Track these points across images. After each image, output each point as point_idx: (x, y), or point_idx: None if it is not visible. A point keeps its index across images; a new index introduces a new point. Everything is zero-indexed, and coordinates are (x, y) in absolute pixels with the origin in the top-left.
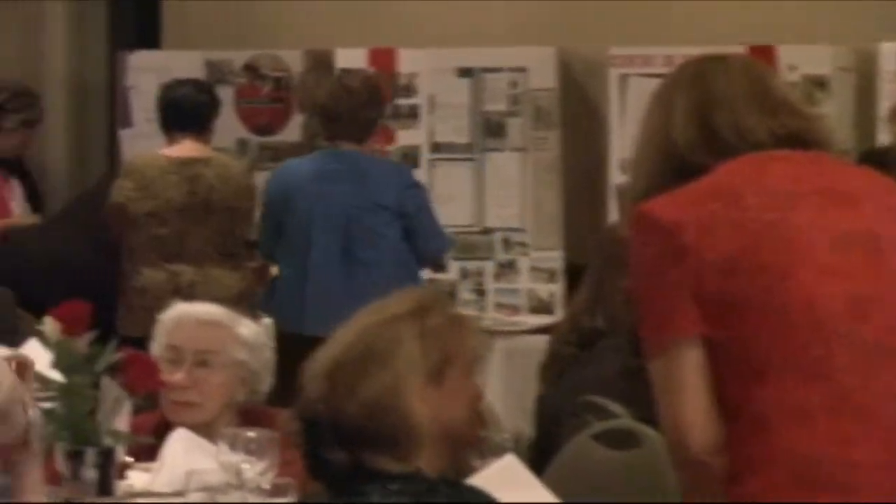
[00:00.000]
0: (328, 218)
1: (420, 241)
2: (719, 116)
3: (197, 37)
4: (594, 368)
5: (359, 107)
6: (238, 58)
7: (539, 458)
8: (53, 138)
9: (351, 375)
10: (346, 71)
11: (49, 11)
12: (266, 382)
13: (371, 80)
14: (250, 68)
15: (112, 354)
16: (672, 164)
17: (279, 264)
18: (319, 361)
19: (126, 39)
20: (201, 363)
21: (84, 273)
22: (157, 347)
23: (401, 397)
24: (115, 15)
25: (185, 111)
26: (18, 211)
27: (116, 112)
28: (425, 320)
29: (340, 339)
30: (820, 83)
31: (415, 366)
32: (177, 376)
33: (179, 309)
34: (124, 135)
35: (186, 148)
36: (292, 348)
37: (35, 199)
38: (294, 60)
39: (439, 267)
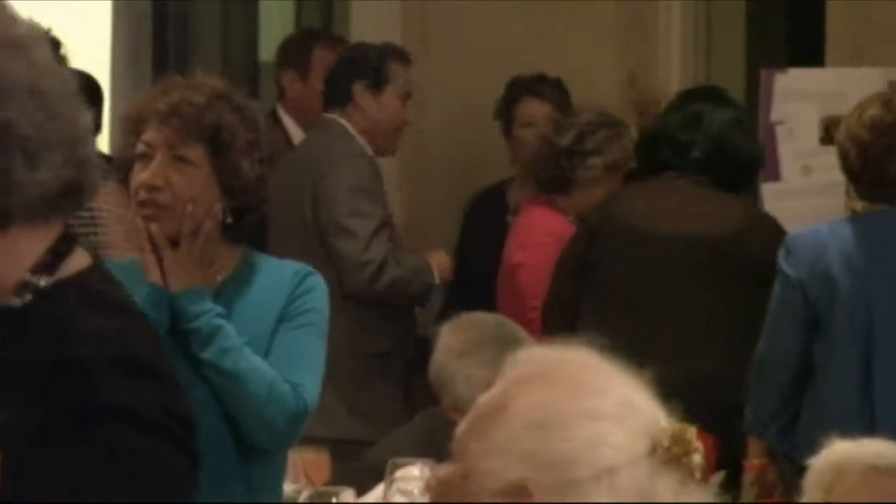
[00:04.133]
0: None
1: None
2: None
3: (877, 46)
4: None
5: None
6: None
7: None
8: None
9: None
10: None
11: (662, 18)
12: None
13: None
14: None
15: None
16: None
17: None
18: None
19: (767, 52)
20: None
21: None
22: None
23: None
24: (758, 18)
25: None
26: None
27: None
28: None
29: None
30: None
31: None
32: None
33: (840, 450)
34: (768, 190)
35: None
36: None
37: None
38: None
39: None
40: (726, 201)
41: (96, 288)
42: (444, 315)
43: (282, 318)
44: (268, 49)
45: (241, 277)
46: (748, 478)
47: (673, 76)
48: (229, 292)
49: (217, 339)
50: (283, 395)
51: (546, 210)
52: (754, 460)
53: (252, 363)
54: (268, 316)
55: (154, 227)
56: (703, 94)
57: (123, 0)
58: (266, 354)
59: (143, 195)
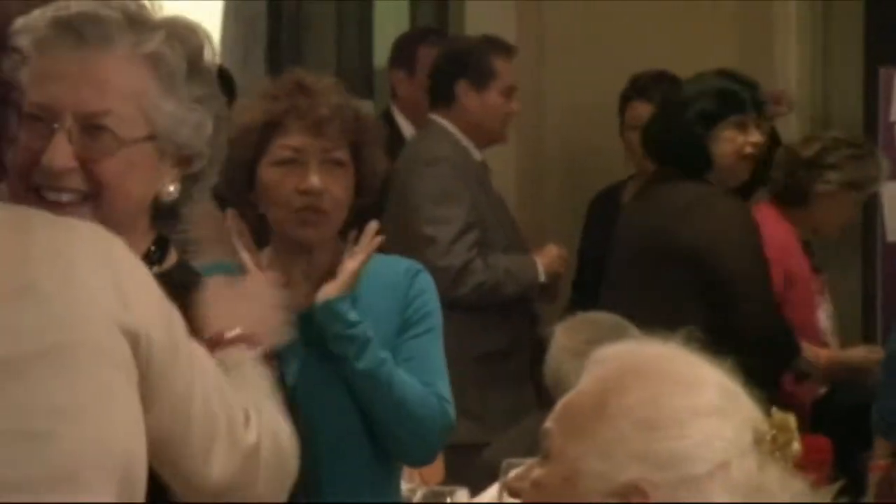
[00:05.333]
0: None
1: None
2: None
3: None
4: None
5: None
6: None
7: None
8: None
9: None
10: None
11: (779, 15)
12: None
13: None
14: None
15: None
16: None
17: None
18: None
19: (886, 50)
20: None
21: None
22: None
23: None
24: (876, 15)
25: None
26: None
27: None
28: None
29: None
30: None
31: None
32: None
33: None
34: (889, 188)
35: None
36: None
37: None
38: None
39: None
40: (678, 190)
41: (191, 281)
42: (566, 315)
43: (403, 324)
44: (382, 50)
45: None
46: (873, 478)
47: (790, 74)
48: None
49: (372, 347)
50: (434, 409)
51: (773, 214)
52: (880, 461)
53: (403, 375)
54: (385, 319)
55: (313, 232)
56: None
57: (237, 1)
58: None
59: (301, 201)
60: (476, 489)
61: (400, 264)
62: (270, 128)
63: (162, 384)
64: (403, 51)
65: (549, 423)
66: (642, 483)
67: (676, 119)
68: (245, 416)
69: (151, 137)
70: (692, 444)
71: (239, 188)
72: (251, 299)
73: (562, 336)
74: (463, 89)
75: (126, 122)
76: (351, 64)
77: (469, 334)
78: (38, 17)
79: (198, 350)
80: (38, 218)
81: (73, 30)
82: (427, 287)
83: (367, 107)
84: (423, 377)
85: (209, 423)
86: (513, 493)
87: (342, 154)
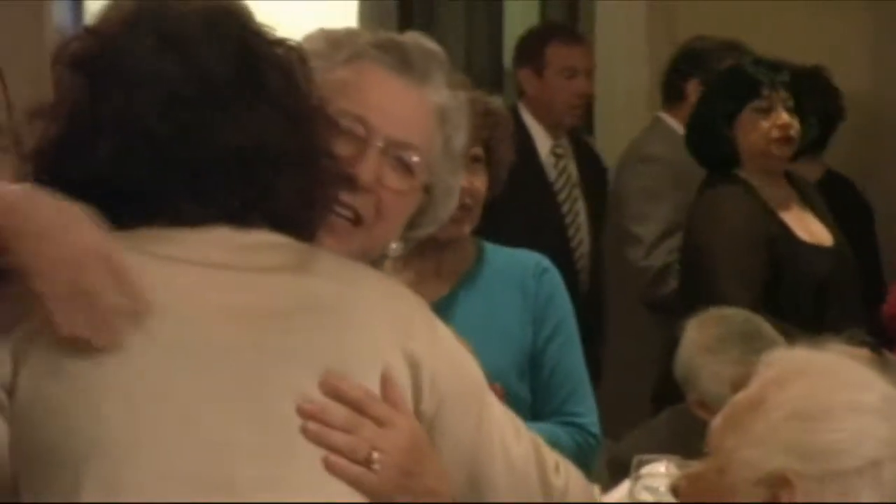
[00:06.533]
0: None
1: None
2: None
3: None
4: None
5: None
6: None
7: None
8: None
9: None
10: None
11: None
12: None
13: None
14: None
15: None
16: None
17: None
18: None
19: None
20: None
21: None
22: None
23: None
24: None
25: None
26: None
27: None
28: None
29: None
30: None
31: None
32: None
33: None
34: None
35: None
36: None
37: None
38: None
39: None
40: (702, 192)
41: None
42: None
43: (536, 333)
44: (512, 49)
45: (477, 273)
46: None
47: None
48: (468, 287)
49: None
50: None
51: None
52: None
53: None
54: (514, 321)
55: (455, 228)
56: None
57: (370, 1)
58: (518, 365)
59: None
60: (607, 485)
61: (526, 260)
62: None
63: (448, 415)
64: (531, 48)
65: (715, 420)
66: (789, 473)
67: (699, 117)
68: (554, 462)
69: (427, 188)
70: (843, 437)
71: None
72: None
73: (693, 331)
74: (693, 88)
75: (421, 163)
76: (481, 63)
77: (657, 338)
78: (352, 34)
79: (494, 402)
80: (323, 252)
81: (402, 53)
82: (556, 288)
83: (496, 101)
84: (567, 395)
85: (521, 468)
86: (673, 491)
87: (478, 150)
